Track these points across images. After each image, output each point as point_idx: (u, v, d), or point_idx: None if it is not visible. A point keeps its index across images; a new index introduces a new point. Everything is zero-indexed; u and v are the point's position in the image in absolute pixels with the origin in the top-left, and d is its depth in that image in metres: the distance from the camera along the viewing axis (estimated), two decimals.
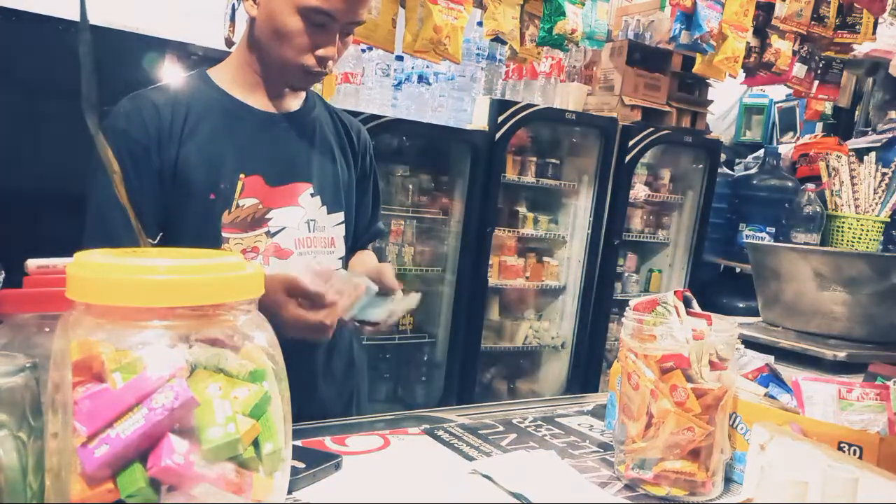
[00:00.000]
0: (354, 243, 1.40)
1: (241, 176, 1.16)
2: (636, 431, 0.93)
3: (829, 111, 4.18)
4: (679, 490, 0.92)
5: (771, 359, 1.17)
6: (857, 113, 4.16)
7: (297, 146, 1.25)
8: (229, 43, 2.38)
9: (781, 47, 3.10)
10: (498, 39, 2.49)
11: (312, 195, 1.24)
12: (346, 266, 1.34)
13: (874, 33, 3.26)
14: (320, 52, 1.14)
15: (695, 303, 0.98)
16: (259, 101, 1.23)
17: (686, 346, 0.91)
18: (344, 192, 1.32)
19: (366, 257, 1.42)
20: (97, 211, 1.10)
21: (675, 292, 0.97)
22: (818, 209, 3.47)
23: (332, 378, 1.32)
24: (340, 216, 1.30)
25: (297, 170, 1.23)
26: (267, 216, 1.19)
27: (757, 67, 3.16)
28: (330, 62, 1.16)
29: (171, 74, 2.23)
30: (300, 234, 1.22)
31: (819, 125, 4.27)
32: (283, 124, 1.24)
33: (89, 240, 1.11)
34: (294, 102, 1.28)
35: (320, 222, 1.26)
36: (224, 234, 1.16)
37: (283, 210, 1.21)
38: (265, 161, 1.20)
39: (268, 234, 1.19)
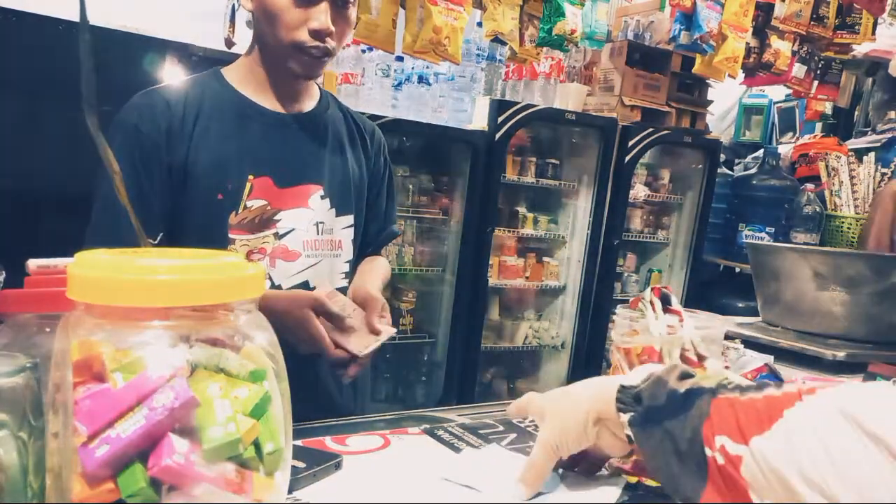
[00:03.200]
0: (367, 245, 1.39)
1: (250, 177, 1.16)
2: None
3: (828, 111, 4.18)
4: (653, 480, 0.93)
5: (770, 359, 1.18)
6: (856, 113, 4.16)
7: (308, 147, 1.24)
8: (229, 43, 2.38)
9: (781, 48, 3.11)
10: (498, 40, 2.50)
11: (322, 197, 1.24)
12: (354, 270, 1.34)
13: (873, 33, 3.26)
14: (313, 24, 1.11)
15: (673, 299, 0.98)
16: (271, 102, 1.22)
17: (657, 340, 0.92)
18: (355, 194, 1.31)
19: (376, 267, 1.40)
20: (104, 208, 1.10)
21: (653, 289, 0.99)
22: (818, 209, 3.47)
23: (336, 377, 1.32)
24: (349, 219, 1.29)
25: (307, 171, 1.23)
26: (275, 218, 1.19)
27: (756, 68, 3.17)
28: (329, 40, 1.14)
29: (172, 75, 2.23)
30: (308, 236, 1.22)
31: (818, 125, 4.27)
32: (295, 125, 1.23)
33: (94, 237, 1.10)
34: (307, 103, 1.27)
35: (328, 224, 1.25)
36: (230, 236, 1.15)
37: (292, 212, 1.20)
38: (275, 162, 1.19)
39: (276, 235, 1.19)
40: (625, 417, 0.70)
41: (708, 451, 0.60)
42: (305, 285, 1.23)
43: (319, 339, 1.07)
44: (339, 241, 1.28)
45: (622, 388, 0.72)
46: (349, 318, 1.11)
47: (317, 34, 1.12)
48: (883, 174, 2.93)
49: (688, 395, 0.65)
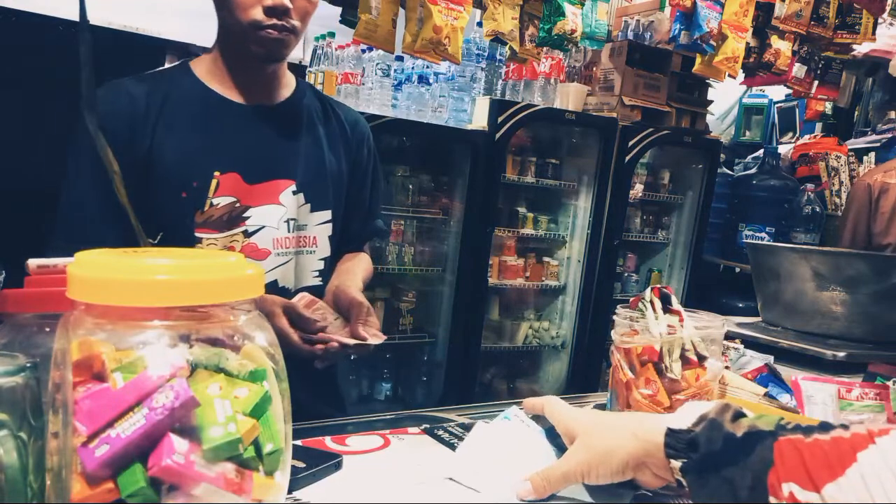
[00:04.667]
0: (349, 241, 1.34)
1: (216, 174, 1.12)
2: None
3: (828, 111, 4.18)
4: None
5: (770, 358, 1.18)
6: (856, 113, 4.17)
7: (279, 140, 1.19)
8: None
9: (781, 47, 3.10)
10: (498, 40, 2.49)
11: (294, 192, 1.19)
12: (331, 267, 1.29)
13: (874, 33, 3.26)
14: (267, 1, 1.06)
15: (673, 299, 0.98)
16: (239, 94, 1.17)
17: (657, 340, 0.92)
18: (333, 187, 1.26)
19: (357, 265, 1.33)
20: (67, 211, 1.08)
21: (653, 289, 0.99)
22: (818, 209, 3.48)
23: (310, 381, 1.27)
24: (326, 214, 1.25)
25: (278, 166, 1.18)
26: (245, 215, 1.15)
27: (756, 68, 3.16)
28: (289, 19, 1.09)
29: None
30: (279, 233, 1.18)
31: (818, 125, 4.27)
32: (265, 117, 1.18)
33: (57, 239, 1.08)
34: (279, 94, 1.22)
35: (301, 221, 1.21)
36: (197, 235, 1.12)
37: (263, 208, 1.16)
38: (243, 157, 1.15)
39: (245, 233, 1.15)
40: (676, 464, 0.66)
41: (773, 500, 0.57)
42: (274, 285, 1.19)
43: (285, 335, 1.03)
44: (314, 237, 1.24)
45: (671, 433, 0.66)
46: (326, 323, 1.06)
47: (272, 11, 1.07)
48: None
49: (747, 439, 0.61)
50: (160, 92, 1.12)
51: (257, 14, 1.07)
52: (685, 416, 0.67)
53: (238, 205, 1.14)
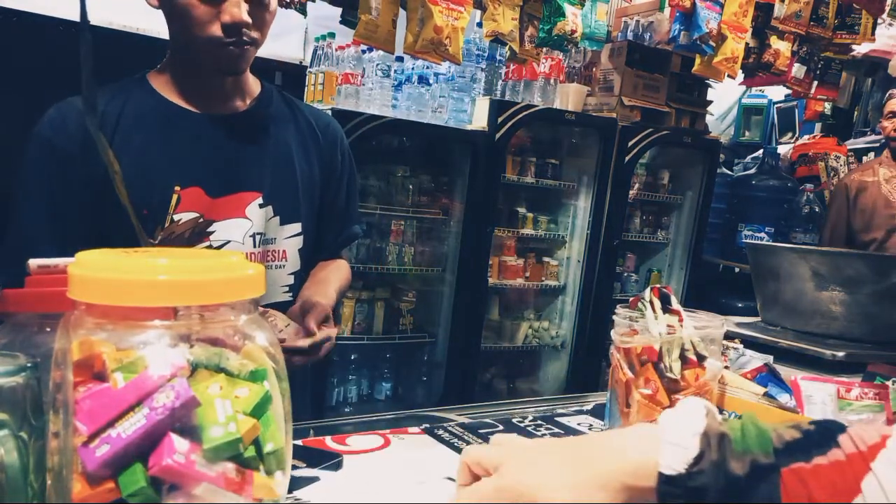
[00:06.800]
0: (324, 248, 1.30)
1: (177, 188, 1.07)
2: (620, 422, 0.97)
3: (828, 111, 4.18)
4: None
5: (770, 358, 1.18)
6: (855, 113, 4.17)
7: (243, 151, 1.14)
8: None
9: (780, 48, 3.11)
10: (498, 40, 2.50)
11: (262, 205, 1.14)
12: (302, 282, 1.24)
13: (873, 34, 3.26)
14: (225, 18, 1.01)
15: (673, 299, 0.99)
16: (198, 104, 1.12)
17: (657, 339, 0.93)
18: (304, 198, 1.21)
19: (331, 273, 1.28)
20: (18, 218, 1.07)
21: (653, 289, 0.99)
22: (817, 209, 3.48)
23: None
24: (296, 227, 1.20)
25: (243, 178, 1.13)
26: (209, 230, 1.10)
27: (756, 68, 3.17)
28: (249, 31, 1.04)
29: None
30: (244, 248, 1.13)
31: (818, 125, 4.28)
32: (227, 127, 1.13)
33: (8, 245, 1.06)
34: (241, 102, 1.16)
35: (269, 235, 1.16)
36: None
37: (228, 223, 1.11)
38: (206, 170, 1.10)
39: (210, 248, 1.10)
40: None
41: None
42: None
43: None
44: (283, 251, 1.19)
45: (667, 480, 0.56)
46: (276, 330, 1.02)
47: (231, 28, 1.02)
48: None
49: (751, 479, 0.55)
50: (115, 107, 1.08)
51: (216, 30, 1.02)
52: (677, 454, 0.57)
53: (202, 220, 1.09)
